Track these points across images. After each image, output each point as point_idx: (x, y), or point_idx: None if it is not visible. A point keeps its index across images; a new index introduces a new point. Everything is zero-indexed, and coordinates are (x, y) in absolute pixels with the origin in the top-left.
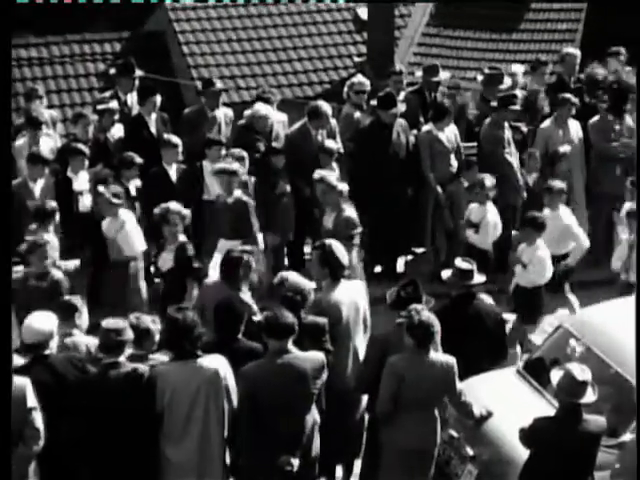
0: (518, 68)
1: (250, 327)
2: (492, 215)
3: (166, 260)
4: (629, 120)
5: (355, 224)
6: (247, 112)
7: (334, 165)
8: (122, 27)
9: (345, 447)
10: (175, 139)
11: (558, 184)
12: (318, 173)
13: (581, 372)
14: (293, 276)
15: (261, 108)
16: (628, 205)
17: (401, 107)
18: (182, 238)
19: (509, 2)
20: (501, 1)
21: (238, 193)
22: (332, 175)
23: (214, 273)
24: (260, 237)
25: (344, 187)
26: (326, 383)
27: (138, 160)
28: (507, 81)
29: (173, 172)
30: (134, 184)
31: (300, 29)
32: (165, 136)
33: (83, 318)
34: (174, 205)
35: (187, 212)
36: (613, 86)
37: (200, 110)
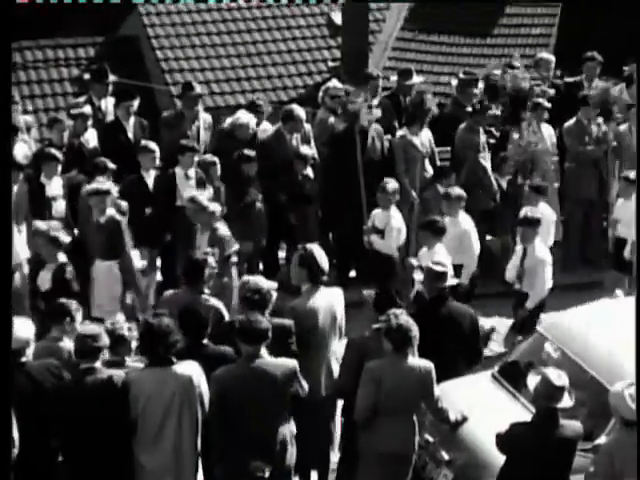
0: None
1: (219, 329)
2: (396, 220)
3: (44, 280)
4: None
5: (232, 241)
6: (229, 119)
7: (309, 170)
8: (96, 32)
9: (320, 453)
10: (152, 145)
11: (456, 190)
12: (188, 193)
13: (558, 377)
14: (255, 278)
15: (243, 116)
16: (524, 212)
17: (377, 113)
18: (62, 259)
19: (483, 6)
20: (476, 4)
21: (111, 212)
22: (203, 195)
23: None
24: (136, 255)
25: (215, 207)
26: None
27: (111, 166)
28: (481, 85)
29: (150, 178)
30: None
31: (274, 34)
32: (142, 142)
33: (75, 323)
34: (55, 224)
35: (67, 238)
36: (512, 94)
37: (178, 113)
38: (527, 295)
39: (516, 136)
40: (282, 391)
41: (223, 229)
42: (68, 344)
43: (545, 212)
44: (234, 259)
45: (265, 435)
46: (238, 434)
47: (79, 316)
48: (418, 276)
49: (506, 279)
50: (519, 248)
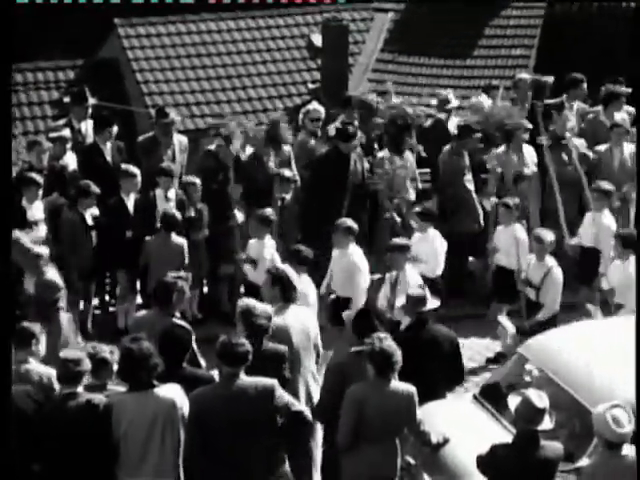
0: (479, 99)
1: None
2: (268, 251)
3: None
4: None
5: (57, 287)
6: (216, 141)
7: (289, 194)
8: (75, 55)
9: (302, 477)
10: (133, 169)
11: (347, 222)
12: (14, 234)
13: (539, 399)
14: (254, 303)
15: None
16: (394, 239)
17: (360, 138)
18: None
19: (463, 28)
20: (455, 27)
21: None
22: (25, 237)
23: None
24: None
25: (42, 250)
26: None
27: (95, 189)
28: (455, 102)
29: (131, 202)
30: (90, 213)
31: (254, 56)
32: (123, 166)
33: (40, 346)
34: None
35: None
36: (397, 121)
37: (153, 138)
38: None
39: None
40: (262, 410)
41: (51, 273)
42: (35, 366)
43: (518, 234)
44: (61, 304)
45: (244, 456)
46: (216, 455)
47: (43, 338)
48: (399, 302)
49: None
50: (617, 263)
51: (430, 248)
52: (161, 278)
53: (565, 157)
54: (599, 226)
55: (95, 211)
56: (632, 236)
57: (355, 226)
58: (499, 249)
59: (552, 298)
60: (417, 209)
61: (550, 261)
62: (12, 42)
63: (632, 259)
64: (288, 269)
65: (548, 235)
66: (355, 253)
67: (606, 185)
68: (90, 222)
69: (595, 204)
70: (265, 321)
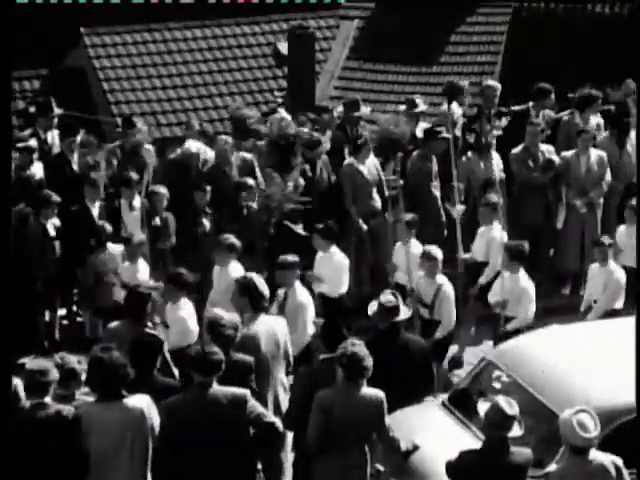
0: (445, 107)
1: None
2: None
3: None
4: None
5: None
6: (179, 149)
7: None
8: (41, 64)
9: None
10: (96, 177)
11: (230, 239)
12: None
13: (509, 405)
14: (229, 315)
15: (192, 145)
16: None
17: (327, 145)
18: None
19: (429, 35)
20: (421, 34)
21: None
22: None
23: None
24: None
25: None
26: None
27: (55, 199)
28: (423, 106)
29: (95, 210)
30: (52, 223)
31: (220, 64)
32: (92, 175)
33: None
34: None
35: None
36: (277, 139)
37: (120, 147)
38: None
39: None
40: (234, 421)
41: None
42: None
43: (413, 249)
44: None
45: (215, 465)
46: (186, 465)
47: None
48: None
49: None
50: (506, 275)
51: (332, 267)
52: (133, 289)
53: (531, 163)
54: (488, 239)
55: (57, 221)
56: (519, 248)
57: (238, 243)
58: (398, 267)
59: (447, 316)
60: (319, 226)
61: (440, 279)
62: (12, 42)
63: (522, 272)
64: (257, 278)
65: (438, 252)
66: (236, 270)
67: (494, 198)
68: (52, 232)
69: (483, 218)
70: (232, 331)
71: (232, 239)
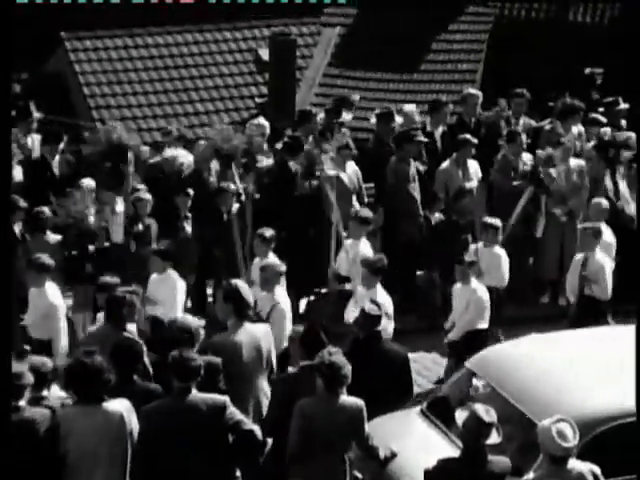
0: (410, 107)
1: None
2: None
3: None
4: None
5: None
6: (159, 154)
7: (235, 206)
8: (22, 68)
9: None
10: (89, 182)
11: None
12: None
13: (486, 413)
14: (183, 317)
15: (172, 151)
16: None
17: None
18: None
19: (410, 42)
20: (402, 42)
21: None
22: None
23: None
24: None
25: None
26: None
27: (22, 204)
28: (399, 119)
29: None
30: (18, 228)
31: (202, 70)
32: (83, 181)
33: None
34: None
35: None
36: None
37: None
38: None
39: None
40: (212, 427)
41: None
42: None
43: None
44: None
45: (193, 473)
46: (165, 470)
47: None
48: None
49: None
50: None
51: (169, 289)
52: (111, 293)
53: (512, 172)
54: (354, 255)
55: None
56: (378, 264)
57: (50, 262)
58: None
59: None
60: (157, 248)
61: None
62: (12, 43)
63: (379, 287)
64: (243, 285)
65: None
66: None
67: (365, 212)
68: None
69: (353, 232)
70: (186, 334)
71: (44, 259)
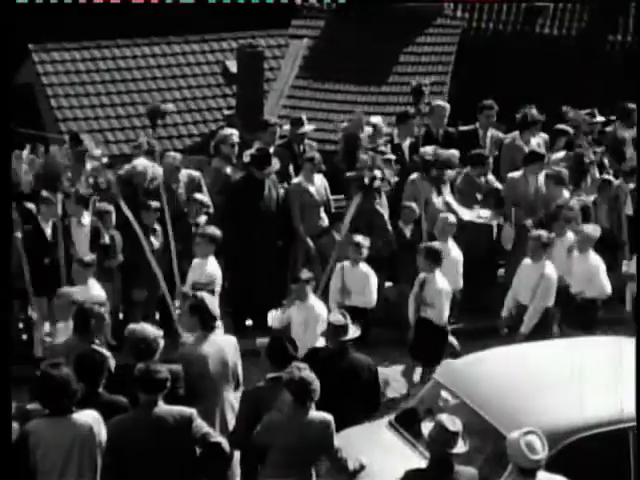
0: (378, 119)
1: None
2: None
3: None
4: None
5: None
6: (127, 166)
7: (202, 218)
8: None
9: None
10: (52, 196)
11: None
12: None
13: (452, 423)
14: (141, 327)
15: (140, 163)
16: None
17: (275, 164)
18: None
19: (378, 54)
20: (370, 54)
21: None
22: None
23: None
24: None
25: None
26: None
27: None
28: (368, 129)
29: (49, 228)
30: None
31: (169, 82)
32: (43, 193)
33: None
34: None
35: None
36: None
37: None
38: None
39: None
40: (180, 440)
41: None
42: None
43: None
44: None
45: None
46: None
47: None
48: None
49: None
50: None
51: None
52: (79, 305)
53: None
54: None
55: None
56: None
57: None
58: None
59: None
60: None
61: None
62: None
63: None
64: (208, 297)
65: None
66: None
67: (213, 231)
68: None
69: (199, 250)
70: (143, 344)
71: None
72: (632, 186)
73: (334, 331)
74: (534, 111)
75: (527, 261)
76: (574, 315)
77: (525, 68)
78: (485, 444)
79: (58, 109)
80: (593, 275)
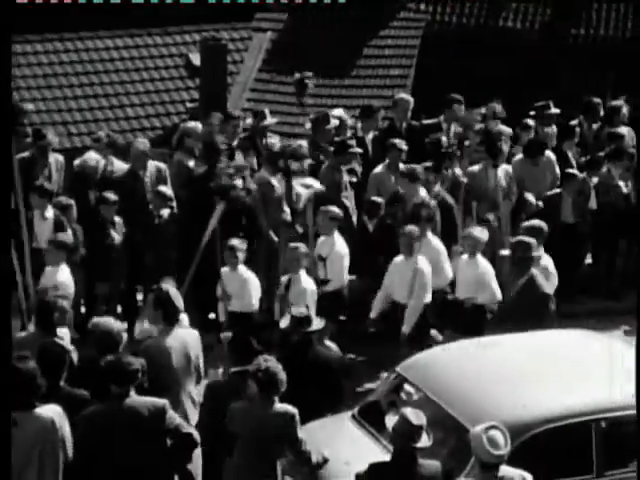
0: (340, 112)
1: (71, 372)
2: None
3: None
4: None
5: None
6: (77, 160)
7: (166, 210)
8: None
9: None
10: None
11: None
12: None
13: (416, 416)
14: (105, 320)
15: (92, 156)
16: None
17: (239, 158)
18: None
19: (341, 47)
20: (334, 47)
21: None
22: None
23: None
24: None
25: None
26: None
27: None
28: (334, 122)
29: None
30: None
31: (132, 75)
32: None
33: None
34: None
35: None
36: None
37: (30, 158)
38: None
39: None
40: (153, 430)
41: None
42: None
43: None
44: None
45: (130, 476)
46: (103, 475)
47: None
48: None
49: None
50: None
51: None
52: (40, 297)
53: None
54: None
55: None
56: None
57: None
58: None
59: None
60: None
61: None
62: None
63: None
64: (173, 290)
65: None
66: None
67: (63, 238)
68: None
69: (49, 258)
70: (107, 338)
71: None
72: (596, 180)
73: (297, 322)
74: (498, 106)
75: (398, 258)
76: (462, 321)
77: (489, 61)
78: (448, 437)
79: (20, 101)
80: (483, 281)
